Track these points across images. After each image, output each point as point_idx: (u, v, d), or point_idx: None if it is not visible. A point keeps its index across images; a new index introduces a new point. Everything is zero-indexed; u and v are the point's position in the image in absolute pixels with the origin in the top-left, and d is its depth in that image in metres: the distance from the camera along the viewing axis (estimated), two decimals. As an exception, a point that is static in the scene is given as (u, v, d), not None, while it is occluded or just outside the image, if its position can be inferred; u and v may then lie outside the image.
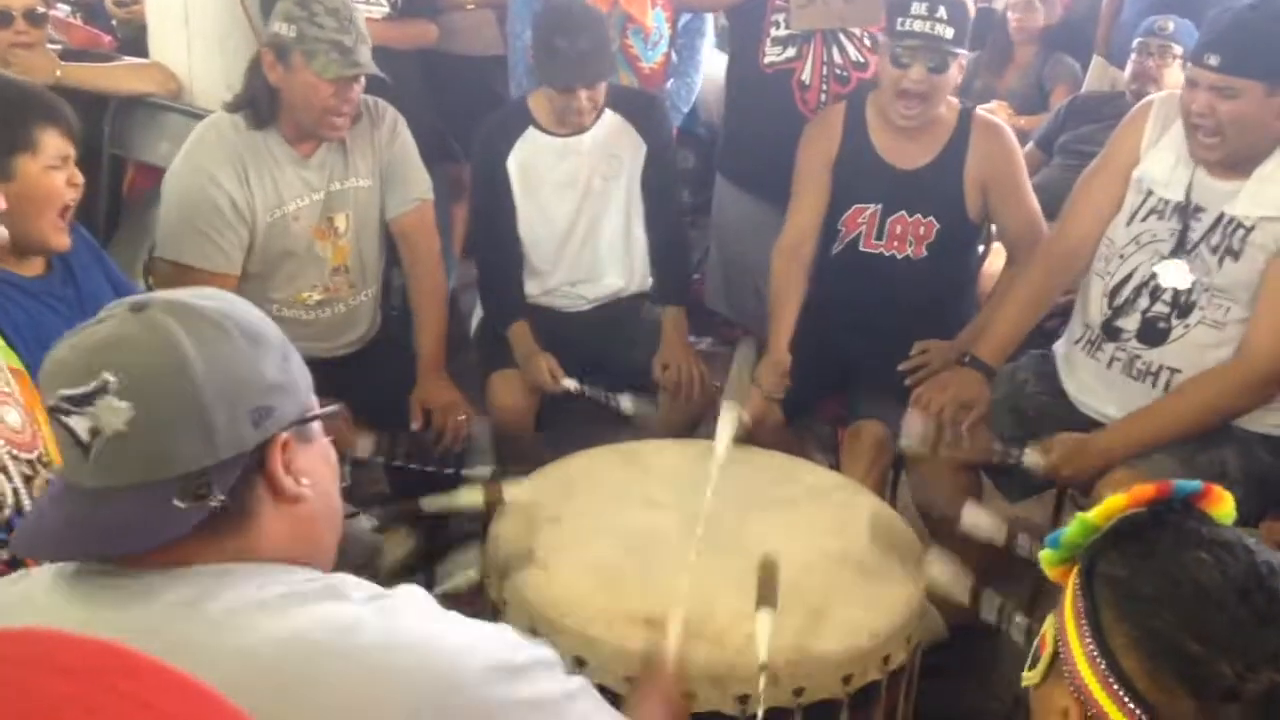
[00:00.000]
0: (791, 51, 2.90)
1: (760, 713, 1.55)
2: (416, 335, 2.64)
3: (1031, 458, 2.27)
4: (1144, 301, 2.27)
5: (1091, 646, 0.89)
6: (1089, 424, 2.34)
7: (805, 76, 2.91)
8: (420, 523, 2.49)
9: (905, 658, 1.79)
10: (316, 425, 1.01)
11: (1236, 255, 2.16)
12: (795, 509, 2.05)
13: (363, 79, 2.36)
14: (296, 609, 0.88)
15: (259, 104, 2.37)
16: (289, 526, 0.96)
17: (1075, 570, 0.95)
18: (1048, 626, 0.96)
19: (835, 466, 2.69)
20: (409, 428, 2.54)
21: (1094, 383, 2.37)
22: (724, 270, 3.18)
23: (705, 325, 3.61)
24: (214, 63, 2.67)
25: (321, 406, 1.04)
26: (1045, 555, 0.97)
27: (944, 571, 1.88)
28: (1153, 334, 2.27)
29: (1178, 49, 3.48)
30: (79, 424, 0.88)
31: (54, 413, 0.90)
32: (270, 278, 2.49)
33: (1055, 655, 0.93)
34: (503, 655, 0.92)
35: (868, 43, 2.89)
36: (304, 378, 1.00)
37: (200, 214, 2.34)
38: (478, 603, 1.90)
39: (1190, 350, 2.23)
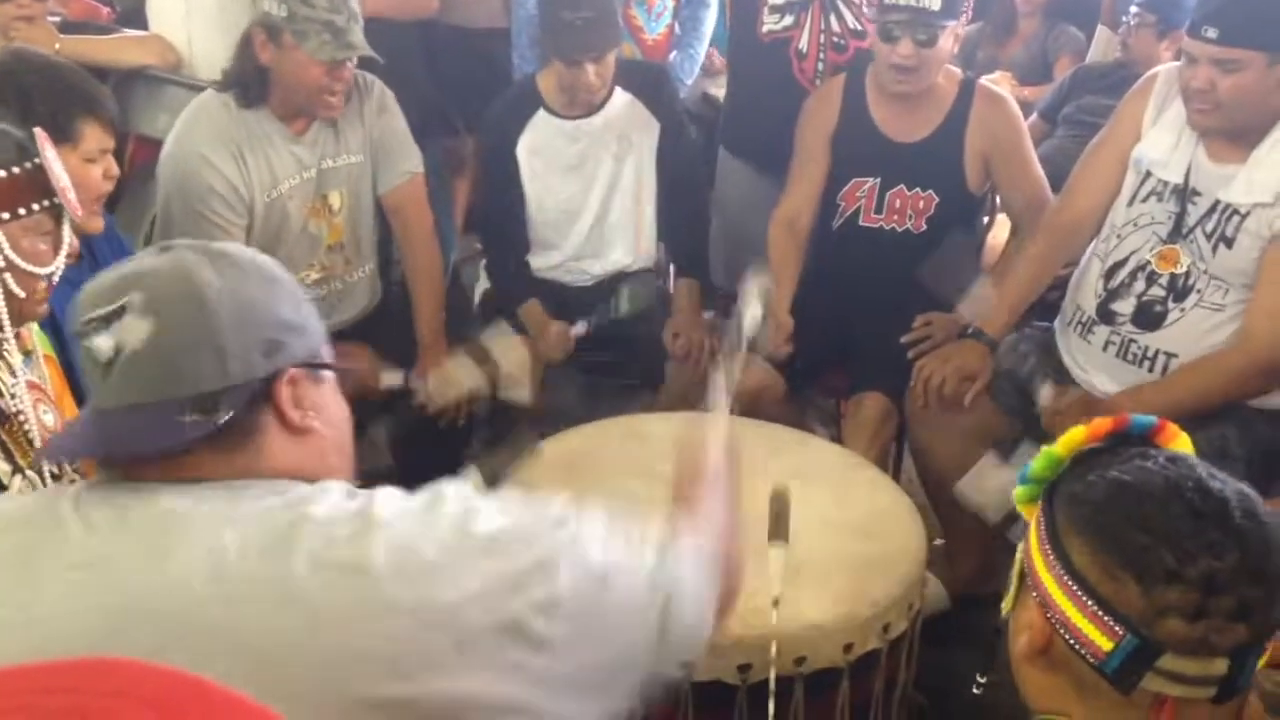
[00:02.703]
0: (789, 19, 2.86)
1: (774, 646, 1.57)
2: (414, 311, 2.62)
3: (1046, 395, 2.26)
4: (1140, 285, 2.25)
5: (1051, 555, 0.97)
6: (1092, 398, 2.34)
7: (802, 45, 2.88)
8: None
9: (906, 626, 1.80)
10: (328, 371, 1.06)
11: (1230, 243, 2.13)
12: (796, 481, 2.05)
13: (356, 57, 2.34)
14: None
15: (249, 83, 2.35)
16: (297, 453, 1.01)
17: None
18: (1018, 554, 1.04)
19: (837, 439, 2.69)
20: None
21: (1089, 364, 2.36)
22: (725, 243, 3.18)
23: (707, 299, 3.60)
24: (213, 34, 2.65)
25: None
26: (1017, 493, 1.05)
27: None
28: (1148, 318, 2.24)
29: (1151, 17, 3.42)
30: (103, 342, 0.94)
31: (81, 337, 0.96)
32: None
33: (1022, 576, 1.02)
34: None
35: (866, 11, 2.86)
36: (317, 326, 1.06)
37: (196, 197, 2.33)
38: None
39: (1187, 333, 2.20)
